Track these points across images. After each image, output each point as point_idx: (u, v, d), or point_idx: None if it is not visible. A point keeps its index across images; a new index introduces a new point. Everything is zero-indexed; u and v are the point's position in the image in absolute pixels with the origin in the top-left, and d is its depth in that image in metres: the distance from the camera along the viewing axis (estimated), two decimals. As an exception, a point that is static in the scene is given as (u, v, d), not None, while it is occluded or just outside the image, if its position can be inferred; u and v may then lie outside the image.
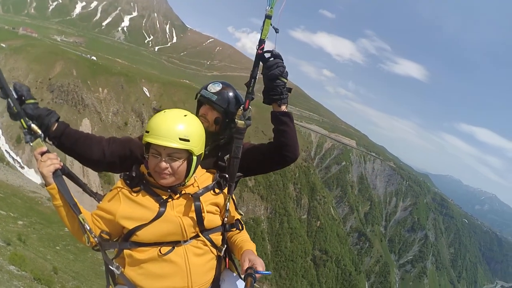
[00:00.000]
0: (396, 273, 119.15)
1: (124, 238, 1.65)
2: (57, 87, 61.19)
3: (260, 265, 1.61)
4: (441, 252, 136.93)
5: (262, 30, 1.82)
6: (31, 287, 9.16)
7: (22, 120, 1.64)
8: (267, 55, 1.86)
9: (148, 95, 74.96)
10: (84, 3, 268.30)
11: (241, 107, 1.92)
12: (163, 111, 1.68)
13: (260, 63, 1.90)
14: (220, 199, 1.82)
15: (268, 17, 1.81)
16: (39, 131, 1.67)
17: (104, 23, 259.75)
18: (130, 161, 1.87)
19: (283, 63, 1.86)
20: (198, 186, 1.76)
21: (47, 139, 1.76)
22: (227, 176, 1.86)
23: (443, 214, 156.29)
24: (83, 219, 1.62)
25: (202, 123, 1.79)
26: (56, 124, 1.77)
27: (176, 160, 1.61)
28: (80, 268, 17.60)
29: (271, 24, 1.82)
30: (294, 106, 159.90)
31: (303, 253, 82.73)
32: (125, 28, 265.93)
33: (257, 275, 1.56)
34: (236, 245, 1.85)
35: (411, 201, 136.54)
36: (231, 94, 2.03)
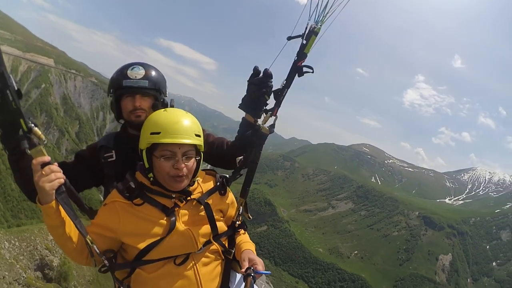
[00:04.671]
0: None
1: (137, 257, 1.53)
2: None
3: (260, 265, 1.61)
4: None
5: (306, 45, 1.77)
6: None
7: (22, 121, 1.29)
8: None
9: None
10: None
11: (269, 113, 1.91)
12: (162, 110, 1.58)
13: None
14: (224, 202, 1.77)
15: (315, 33, 1.75)
16: (43, 137, 1.36)
17: None
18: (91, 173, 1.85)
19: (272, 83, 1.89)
20: (201, 191, 1.68)
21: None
22: (228, 176, 1.82)
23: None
24: (91, 241, 1.45)
25: (139, 116, 1.71)
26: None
27: (191, 158, 1.53)
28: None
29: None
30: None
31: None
32: None
33: (257, 275, 1.55)
34: (236, 245, 1.82)
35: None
36: (155, 72, 1.89)
